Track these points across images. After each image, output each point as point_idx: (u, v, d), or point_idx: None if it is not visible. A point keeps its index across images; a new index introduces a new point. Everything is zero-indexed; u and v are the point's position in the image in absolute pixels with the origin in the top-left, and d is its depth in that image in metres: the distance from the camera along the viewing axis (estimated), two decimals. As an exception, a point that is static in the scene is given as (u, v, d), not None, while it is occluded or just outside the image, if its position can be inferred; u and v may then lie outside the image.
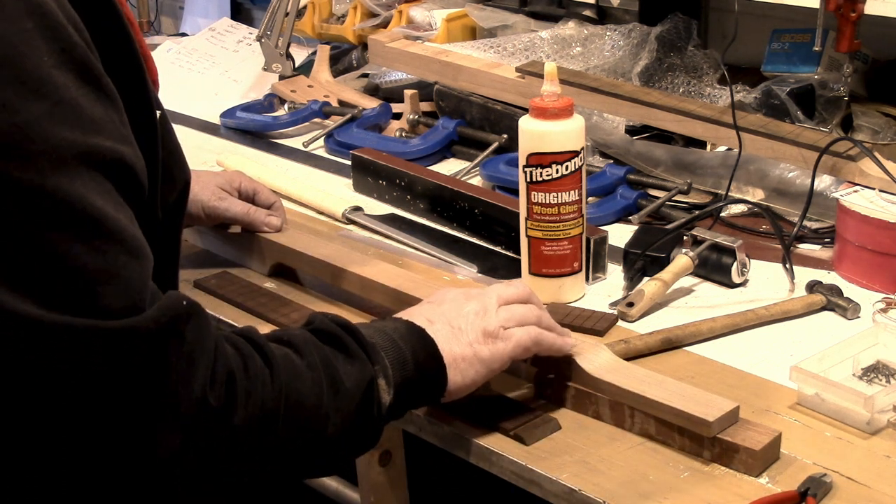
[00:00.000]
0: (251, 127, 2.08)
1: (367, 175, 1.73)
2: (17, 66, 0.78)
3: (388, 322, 1.06)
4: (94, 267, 0.79)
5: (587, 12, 2.21)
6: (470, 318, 1.07)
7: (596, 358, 1.13)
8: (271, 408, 0.89)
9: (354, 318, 1.35)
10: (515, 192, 1.43)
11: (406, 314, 1.09)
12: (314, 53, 2.33)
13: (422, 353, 1.03)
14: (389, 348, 1.01)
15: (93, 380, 0.79)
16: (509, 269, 1.45)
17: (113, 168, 0.82)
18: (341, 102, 2.12)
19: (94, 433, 0.80)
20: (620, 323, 1.31)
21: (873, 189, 1.42)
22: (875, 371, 1.19)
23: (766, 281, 1.41)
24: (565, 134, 1.30)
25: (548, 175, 1.31)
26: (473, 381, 1.06)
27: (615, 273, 1.43)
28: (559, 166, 1.30)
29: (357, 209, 1.65)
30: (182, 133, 2.07)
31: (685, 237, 1.42)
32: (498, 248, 1.53)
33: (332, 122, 2.01)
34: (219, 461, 0.86)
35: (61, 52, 0.80)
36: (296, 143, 2.00)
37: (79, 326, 0.78)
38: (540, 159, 1.31)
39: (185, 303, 0.85)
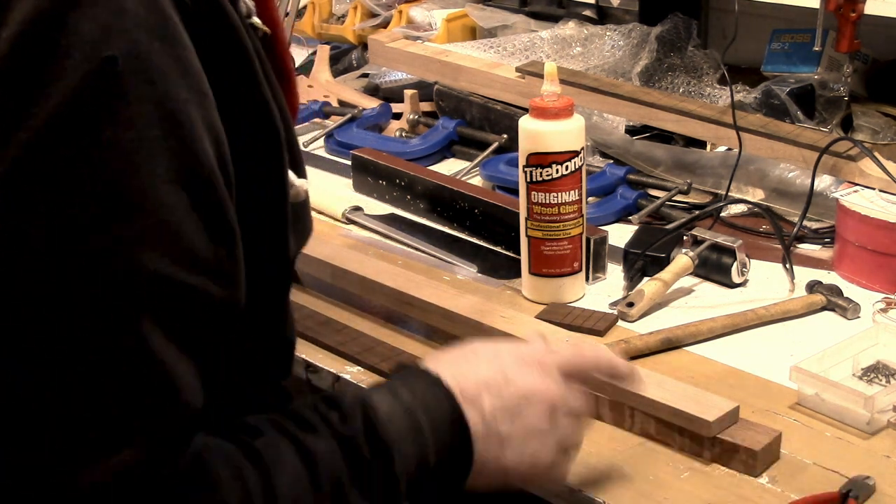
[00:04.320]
0: (251, 127, 2.07)
1: (367, 175, 1.73)
2: (123, 181, 0.66)
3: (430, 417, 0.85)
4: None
5: (587, 12, 2.21)
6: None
7: (596, 358, 1.13)
8: None
9: (355, 317, 1.35)
10: (515, 192, 1.43)
11: (458, 388, 0.87)
12: (314, 53, 2.33)
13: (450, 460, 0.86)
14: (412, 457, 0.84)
15: None
16: (509, 269, 1.45)
17: (195, 305, 0.71)
18: (341, 102, 2.12)
19: None
20: (620, 323, 1.31)
21: (873, 189, 1.42)
22: (875, 371, 1.19)
23: (766, 281, 1.41)
24: (565, 134, 1.30)
25: (548, 175, 1.31)
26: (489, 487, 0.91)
27: (615, 273, 1.43)
28: (559, 166, 1.30)
29: (357, 209, 1.65)
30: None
31: (685, 237, 1.42)
32: (498, 248, 1.53)
33: (332, 122, 2.00)
34: None
35: (181, 169, 0.68)
36: (296, 143, 2.00)
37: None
38: (540, 159, 1.31)
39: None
